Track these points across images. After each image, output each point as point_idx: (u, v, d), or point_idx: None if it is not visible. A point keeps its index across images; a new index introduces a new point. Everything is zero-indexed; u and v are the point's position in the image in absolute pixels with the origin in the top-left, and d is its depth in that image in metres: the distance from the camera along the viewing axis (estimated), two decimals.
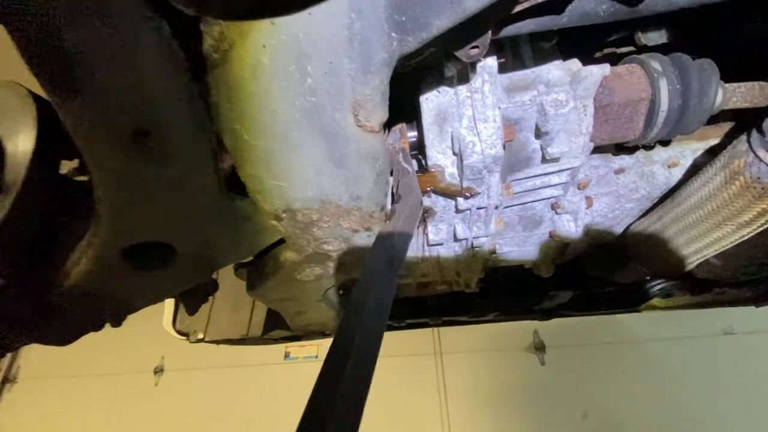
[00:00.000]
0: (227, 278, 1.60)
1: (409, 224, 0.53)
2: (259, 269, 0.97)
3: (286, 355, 4.23)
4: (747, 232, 0.88)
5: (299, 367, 4.13)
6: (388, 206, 0.74)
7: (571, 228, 1.05)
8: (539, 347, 3.54)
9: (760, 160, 0.75)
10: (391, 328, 1.75)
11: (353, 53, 0.46)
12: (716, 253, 1.00)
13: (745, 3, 0.72)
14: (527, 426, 3.23)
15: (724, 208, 0.85)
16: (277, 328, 1.69)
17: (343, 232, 0.73)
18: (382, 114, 0.52)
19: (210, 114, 0.55)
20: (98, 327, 0.88)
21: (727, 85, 0.86)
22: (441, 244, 1.00)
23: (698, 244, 0.97)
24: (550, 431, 3.19)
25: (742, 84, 0.87)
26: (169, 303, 1.71)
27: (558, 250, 1.19)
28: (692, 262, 1.09)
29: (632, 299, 1.72)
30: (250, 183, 0.61)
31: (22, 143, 0.77)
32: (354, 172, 0.58)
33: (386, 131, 0.60)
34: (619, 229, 1.23)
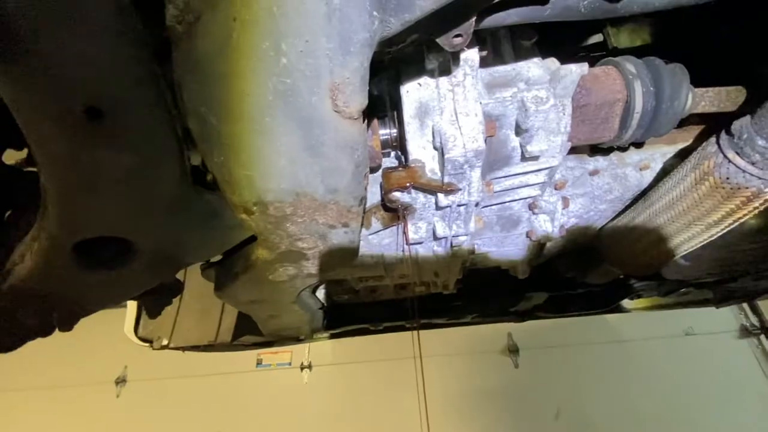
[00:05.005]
0: (195, 280, 1.52)
1: None
2: (227, 268, 0.92)
3: (258, 363, 4.09)
4: (715, 232, 0.90)
5: (272, 374, 4.00)
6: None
7: (547, 228, 1.05)
8: (513, 350, 3.59)
9: (729, 161, 0.77)
10: (368, 332, 1.71)
11: (332, 31, 0.43)
12: (685, 253, 1.03)
13: (716, 10, 0.74)
14: (502, 427, 3.25)
15: (694, 209, 0.87)
16: (248, 333, 1.62)
17: (318, 228, 0.70)
18: (362, 99, 0.50)
19: (174, 96, 0.50)
20: (46, 332, 0.80)
21: (696, 89, 0.88)
22: (420, 243, 0.98)
23: (669, 245, 0.99)
24: (524, 428, 3.23)
25: (711, 89, 0.90)
26: (132, 307, 1.61)
27: (535, 250, 1.19)
28: (662, 262, 1.12)
29: (603, 301, 1.76)
30: (217, 172, 0.57)
31: None
32: (331, 162, 0.55)
33: (365, 121, 0.57)
34: (593, 231, 1.25)
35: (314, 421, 3.51)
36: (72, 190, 0.55)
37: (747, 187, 0.76)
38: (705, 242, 0.95)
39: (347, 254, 0.81)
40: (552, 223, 1.06)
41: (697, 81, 0.88)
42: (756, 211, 0.82)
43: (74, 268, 0.66)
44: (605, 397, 3.34)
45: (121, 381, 4.16)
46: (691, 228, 0.91)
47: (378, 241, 1.02)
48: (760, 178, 0.74)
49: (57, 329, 0.77)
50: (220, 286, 0.96)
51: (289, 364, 3.97)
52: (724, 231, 0.89)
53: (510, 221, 1.10)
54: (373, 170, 0.88)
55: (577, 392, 3.39)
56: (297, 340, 1.98)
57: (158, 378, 4.07)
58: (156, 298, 0.92)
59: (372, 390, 3.51)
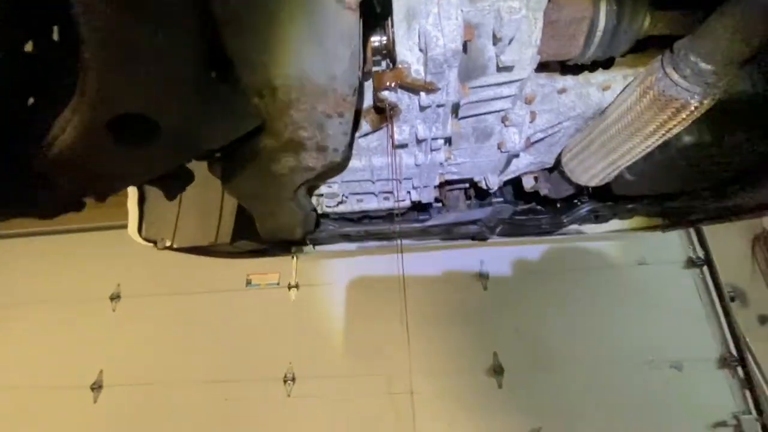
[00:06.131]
0: (194, 185, 1.63)
1: None
2: (234, 161, 1.04)
3: (248, 283, 4.37)
4: (651, 143, 1.07)
5: (261, 293, 4.30)
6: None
7: (515, 140, 1.20)
8: (484, 275, 3.98)
9: (667, 76, 0.91)
10: (353, 238, 1.90)
11: None
12: (628, 164, 1.20)
13: None
14: (469, 338, 3.73)
15: (636, 121, 1.02)
16: (245, 238, 1.78)
17: (318, 117, 0.82)
18: None
19: None
20: (79, 206, 0.93)
21: (655, 12, 0.99)
22: (405, 146, 1.12)
23: (614, 156, 1.16)
24: (488, 341, 3.72)
25: (668, 12, 1.01)
26: (133, 211, 1.73)
27: (504, 162, 1.35)
28: (609, 174, 1.30)
29: (556, 223, 1.97)
30: (236, 56, 0.67)
31: None
32: (331, 50, 0.66)
33: (362, 16, 0.66)
34: (557, 149, 1.40)
35: (301, 332, 3.89)
36: (110, 65, 0.64)
37: (677, 99, 0.91)
38: (643, 153, 1.12)
39: (341, 147, 0.94)
40: (519, 135, 1.20)
41: (657, 5, 0.99)
42: (684, 123, 0.97)
43: (108, 143, 0.77)
44: (560, 317, 3.81)
45: (115, 297, 4.40)
46: (632, 139, 1.08)
47: (366, 144, 1.16)
48: (687, 91, 0.89)
49: (94, 200, 0.90)
50: (227, 177, 1.09)
51: (278, 284, 4.26)
52: (658, 142, 1.06)
53: (484, 133, 1.24)
54: (364, 76, 0.98)
55: (535, 312, 3.85)
56: (289, 249, 2.17)
57: (151, 295, 4.32)
58: (172, 182, 1.05)
59: (355, 305, 3.88)
